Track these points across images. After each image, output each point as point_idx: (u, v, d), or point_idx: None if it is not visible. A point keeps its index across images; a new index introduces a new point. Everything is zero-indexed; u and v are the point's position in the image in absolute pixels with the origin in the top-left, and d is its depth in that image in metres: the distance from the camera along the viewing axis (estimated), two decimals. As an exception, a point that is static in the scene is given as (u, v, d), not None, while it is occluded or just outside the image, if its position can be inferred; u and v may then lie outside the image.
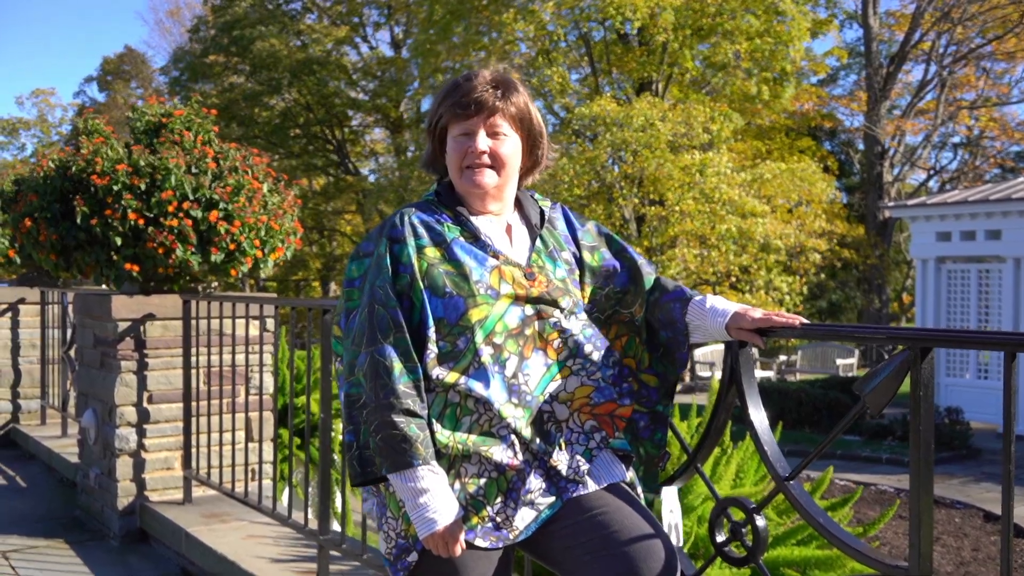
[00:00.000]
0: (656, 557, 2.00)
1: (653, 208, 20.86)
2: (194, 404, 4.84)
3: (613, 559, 2.01)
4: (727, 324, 2.08)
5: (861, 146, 30.34)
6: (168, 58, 34.92)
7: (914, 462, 1.77)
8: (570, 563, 2.07)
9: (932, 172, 31.44)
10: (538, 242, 2.18)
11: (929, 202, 14.67)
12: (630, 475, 2.24)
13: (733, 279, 21.90)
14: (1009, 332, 1.64)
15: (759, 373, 19.74)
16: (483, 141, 2.11)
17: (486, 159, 2.11)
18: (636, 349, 2.22)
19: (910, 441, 1.78)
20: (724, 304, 2.11)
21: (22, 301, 7.45)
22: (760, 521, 2.07)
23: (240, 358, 4.70)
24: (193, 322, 4.80)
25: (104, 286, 5.30)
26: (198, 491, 4.88)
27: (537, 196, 2.29)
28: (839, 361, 19.18)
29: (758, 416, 2.09)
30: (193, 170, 4.68)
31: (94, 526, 5.13)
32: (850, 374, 18.67)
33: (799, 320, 2.00)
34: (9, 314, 7.43)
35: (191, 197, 4.54)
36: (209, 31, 30.91)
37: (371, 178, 30.27)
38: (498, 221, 2.18)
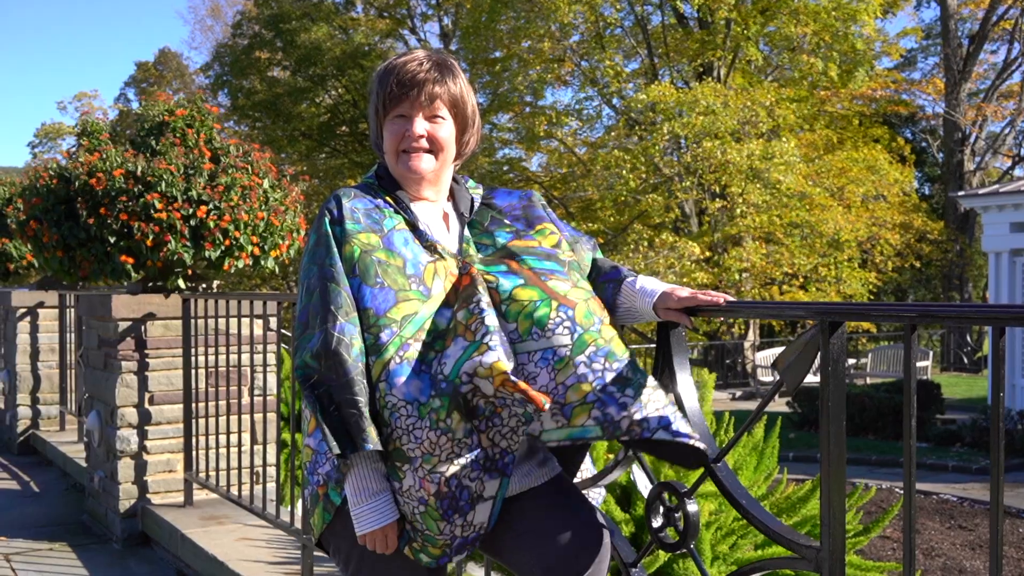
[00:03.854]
0: (591, 535, 2.09)
1: (715, 201, 20.78)
2: (195, 405, 5.02)
3: (547, 539, 2.09)
4: (654, 304, 2.14)
5: (942, 133, 29.84)
6: (209, 56, 35.61)
7: (824, 439, 1.84)
8: (508, 548, 2.16)
9: (1017, 159, 30.77)
10: (467, 231, 2.23)
11: (1002, 190, 14.38)
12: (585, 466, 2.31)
13: (802, 279, 21.73)
14: (909, 304, 1.70)
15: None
16: (420, 124, 2.16)
17: (423, 143, 2.17)
18: None
19: (820, 418, 1.85)
20: (653, 284, 2.18)
21: (41, 305, 7.74)
22: (691, 506, 2.13)
23: (243, 358, 4.84)
24: (193, 321, 4.98)
25: (104, 284, 5.51)
26: (200, 494, 5.06)
27: (470, 183, 2.37)
28: (912, 364, 18.83)
29: (689, 397, 2.17)
30: (189, 171, 4.86)
31: (99, 530, 5.34)
32: (924, 377, 18.36)
33: (724, 298, 2.07)
34: (28, 318, 7.73)
35: (180, 199, 4.72)
36: (252, 26, 31.48)
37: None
38: (434, 208, 2.24)
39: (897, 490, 10.13)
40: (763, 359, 19.07)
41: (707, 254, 20.88)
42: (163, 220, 4.75)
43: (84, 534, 5.32)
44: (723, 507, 3.75)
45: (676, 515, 2.17)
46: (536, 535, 2.10)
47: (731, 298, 2.07)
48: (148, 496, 5.08)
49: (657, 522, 2.22)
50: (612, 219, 23.90)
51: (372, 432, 1.98)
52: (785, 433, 14.17)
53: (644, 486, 2.42)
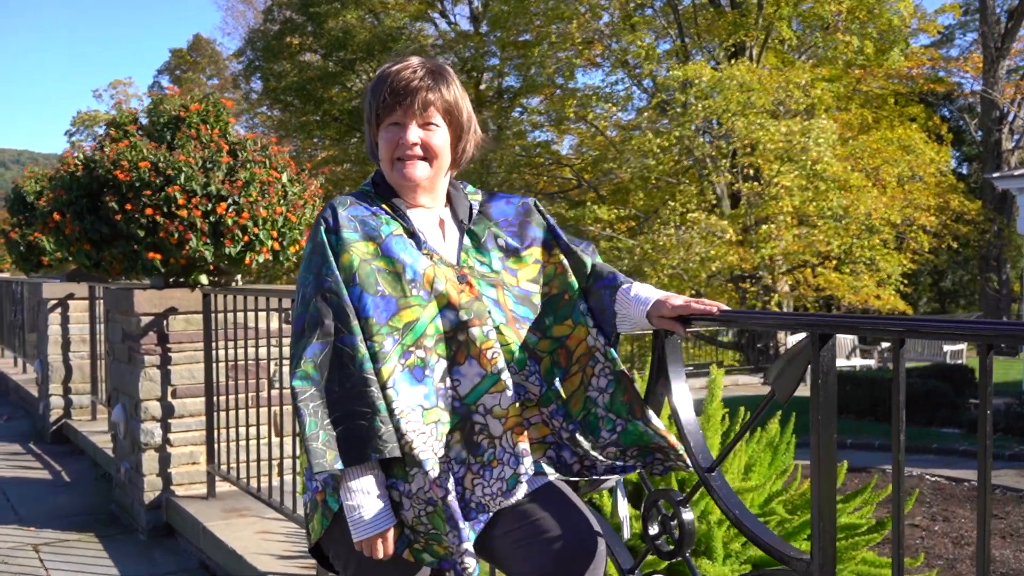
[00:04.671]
0: (585, 544, 2.09)
1: (748, 184, 20.62)
2: (217, 399, 5.07)
3: (543, 546, 2.09)
4: (648, 312, 2.14)
5: (979, 111, 29.40)
6: (242, 41, 35.77)
7: (815, 454, 1.83)
8: (502, 554, 2.17)
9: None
10: (466, 239, 2.25)
11: (1038, 171, 14.14)
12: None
13: (835, 261, 21.55)
14: (896, 318, 1.68)
15: (859, 361, 19.38)
16: (414, 132, 2.17)
17: (418, 151, 2.18)
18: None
19: (811, 430, 1.84)
20: (648, 292, 2.17)
21: (71, 296, 7.84)
22: (687, 515, 2.14)
23: (263, 352, 4.89)
24: (214, 316, 5.02)
25: (132, 280, 5.58)
26: (222, 485, 5.12)
27: (470, 189, 2.37)
28: (946, 348, 18.67)
29: (684, 407, 2.16)
30: (207, 165, 4.89)
31: (126, 520, 5.42)
32: (959, 361, 18.17)
33: (717, 307, 2.06)
34: (59, 310, 7.84)
35: (199, 193, 4.75)
36: (283, 11, 31.57)
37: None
38: (430, 215, 2.25)
39: (928, 477, 10.06)
40: (793, 343, 18.94)
41: (739, 237, 20.74)
42: (185, 218, 4.79)
43: (112, 524, 5.40)
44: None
45: (672, 523, 2.17)
46: (531, 541, 2.11)
47: (725, 307, 2.06)
48: (172, 488, 5.15)
49: (654, 529, 2.23)
50: (643, 203, 23.79)
51: (379, 442, 2.00)
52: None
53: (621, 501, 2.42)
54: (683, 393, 2.17)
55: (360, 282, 2.09)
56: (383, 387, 2.04)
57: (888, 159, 20.83)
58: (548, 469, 2.18)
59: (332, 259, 2.11)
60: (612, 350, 2.19)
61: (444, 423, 2.08)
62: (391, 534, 2.08)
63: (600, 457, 2.20)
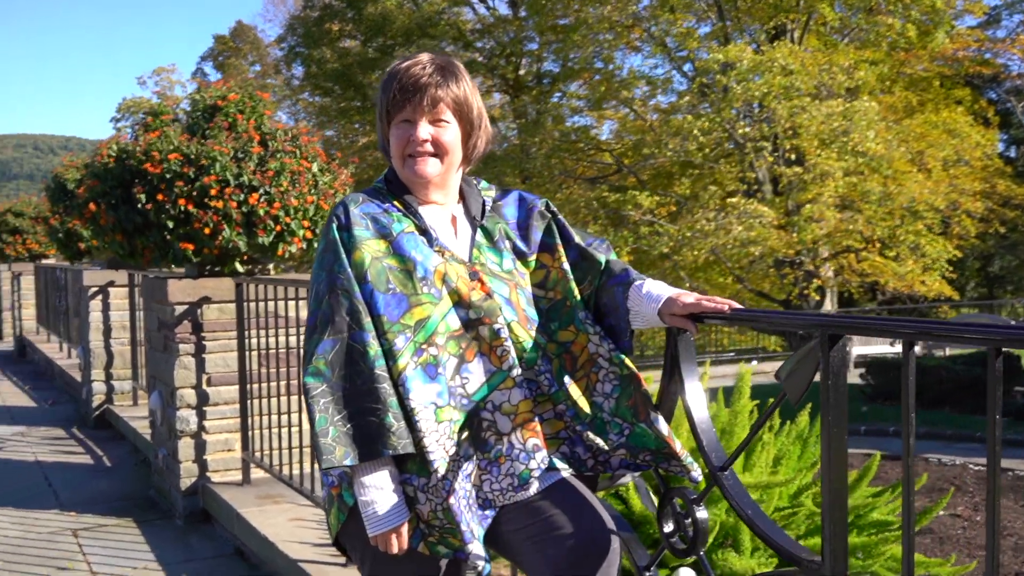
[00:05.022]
0: (598, 542, 2.10)
1: (791, 168, 20.42)
2: (251, 386, 5.13)
3: (556, 544, 2.10)
4: (660, 310, 2.14)
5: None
6: (282, 28, 35.94)
7: (825, 457, 1.82)
8: (516, 550, 2.18)
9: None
10: (479, 235, 2.26)
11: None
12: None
13: (879, 246, 21.30)
14: (907, 320, 1.67)
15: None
16: (424, 129, 2.18)
17: (428, 147, 2.19)
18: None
19: (821, 435, 1.83)
20: (659, 289, 2.18)
21: (111, 284, 7.96)
22: (700, 513, 2.13)
23: (295, 340, 4.93)
24: (247, 304, 5.08)
25: (163, 269, 5.65)
26: (257, 472, 5.18)
27: (483, 185, 2.38)
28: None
29: (697, 405, 2.16)
30: (239, 155, 4.94)
31: (164, 505, 5.50)
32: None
33: (729, 305, 2.06)
34: (100, 296, 7.96)
35: (233, 183, 4.80)
36: (323, -3, 31.66)
37: (492, 147, 30.46)
38: (443, 212, 2.27)
39: (971, 466, 9.93)
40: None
41: (781, 221, 20.55)
42: (220, 209, 4.84)
43: (150, 509, 5.49)
44: (764, 497, 3.72)
45: (687, 521, 2.17)
46: (544, 539, 2.12)
47: (736, 305, 2.05)
48: (208, 474, 5.22)
49: (668, 527, 2.23)
50: (685, 189, 23.66)
51: (392, 438, 2.02)
52: (857, 406, 13.97)
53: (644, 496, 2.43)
54: (696, 391, 2.17)
55: (372, 280, 2.11)
56: (395, 384, 2.07)
57: (933, 143, 20.52)
58: (561, 465, 2.20)
59: (344, 256, 2.13)
60: (618, 354, 2.20)
61: (455, 421, 2.10)
62: (405, 529, 2.10)
63: (616, 452, 2.21)
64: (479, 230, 2.27)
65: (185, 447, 5.20)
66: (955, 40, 24.22)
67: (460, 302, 2.13)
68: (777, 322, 1.93)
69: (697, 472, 2.16)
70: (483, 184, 2.39)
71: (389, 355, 2.08)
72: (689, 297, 2.11)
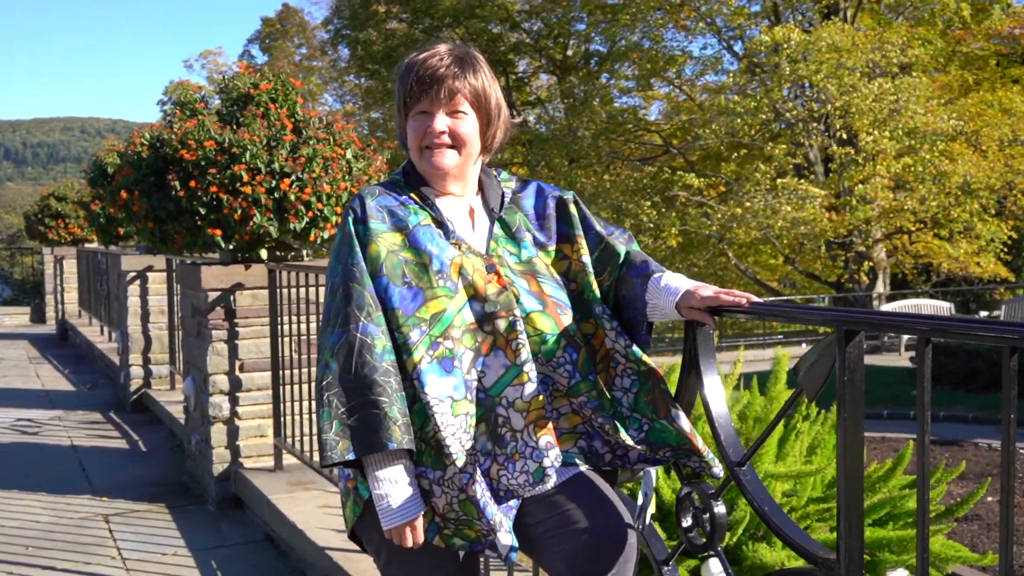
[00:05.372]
0: (615, 537, 2.08)
1: (841, 148, 20.17)
2: (283, 373, 5.16)
3: (573, 538, 2.09)
4: (677, 303, 2.11)
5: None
6: (329, 10, 36.09)
7: (841, 455, 1.78)
8: (532, 544, 2.18)
9: None
10: (497, 227, 2.24)
11: None
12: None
13: (932, 225, 21.00)
14: (923, 316, 1.63)
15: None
16: (441, 121, 2.17)
17: (445, 139, 2.18)
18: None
19: (837, 432, 1.79)
20: (677, 281, 2.15)
21: (150, 269, 8.05)
22: (718, 508, 2.11)
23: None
24: (279, 291, 5.10)
25: (194, 255, 5.70)
26: (288, 459, 5.21)
27: (504, 175, 2.37)
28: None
29: (716, 400, 2.13)
30: (272, 143, 4.96)
31: (197, 491, 5.56)
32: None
33: (748, 298, 2.02)
34: (138, 281, 8.06)
35: (264, 171, 4.82)
36: (370, -23, 31.72)
37: (540, 128, 30.43)
38: (461, 204, 2.25)
39: (1023, 451, 9.76)
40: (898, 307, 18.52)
41: (832, 201, 20.32)
42: (249, 194, 4.87)
43: (183, 495, 5.55)
44: (798, 487, 3.68)
45: (705, 516, 2.15)
46: (560, 533, 2.11)
47: (755, 299, 2.02)
48: (240, 460, 5.27)
49: (687, 522, 2.21)
50: (732, 169, 23.47)
51: (396, 431, 2.02)
52: (906, 389, 13.80)
53: (642, 493, 2.41)
54: (715, 386, 2.14)
55: (387, 273, 2.11)
56: (409, 378, 2.06)
57: (988, 122, 20.15)
58: (578, 459, 2.19)
59: (359, 250, 2.13)
60: (635, 350, 2.18)
61: (472, 415, 2.09)
62: (420, 522, 2.10)
63: (635, 447, 2.19)
64: (497, 222, 2.26)
65: (218, 433, 5.25)
66: (1012, 18, 23.73)
67: (476, 295, 2.12)
68: (795, 316, 1.90)
69: (718, 468, 2.13)
70: (503, 175, 2.37)
71: (404, 349, 2.07)
72: (707, 290, 2.08)
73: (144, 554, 4.55)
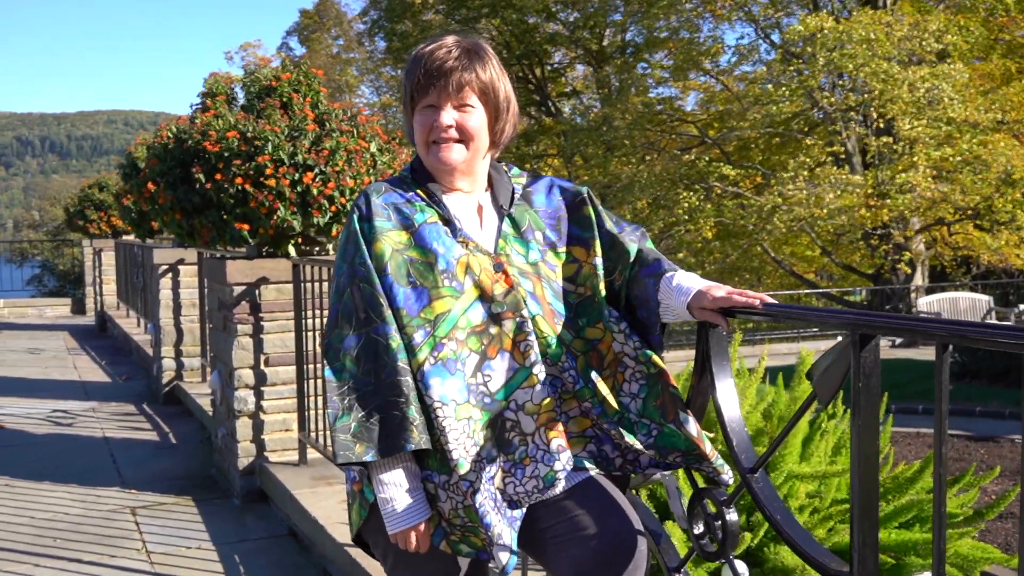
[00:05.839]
0: (625, 543, 2.03)
1: (879, 138, 19.88)
2: (308, 367, 5.13)
3: (582, 545, 2.04)
4: (689, 303, 2.04)
5: None
6: (366, 2, 36.12)
7: (855, 464, 1.70)
8: (541, 550, 2.12)
9: None
10: (506, 225, 2.18)
11: None
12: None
13: (972, 216, 20.66)
14: (942, 321, 1.55)
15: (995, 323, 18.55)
16: (448, 115, 2.11)
17: (452, 133, 2.12)
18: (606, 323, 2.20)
19: (851, 439, 1.71)
20: (690, 281, 2.07)
21: (181, 262, 8.07)
22: (731, 515, 2.03)
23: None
24: (304, 285, 5.07)
25: (220, 249, 5.68)
26: (313, 453, 5.19)
27: (514, 171, 2.30)
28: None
29: (729, 404, 2.05)
30: (294, 133, 4.92)
31: (224, 485, 5.56)
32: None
33: (761, 299, 1.95)
34: (170, 274, 8.07)
35: (287, 163, 4.79)
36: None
37: (575, 119, 30.29)
38: (469, 200, 2.20)
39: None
40: (925, 305, 18.19)
41: (871, 190, 20.04)
42: (273, 187, 4.84)
43: (210, 488, 5.54)
44: (822, 488, 3.59)
45: (717, 523, 2.08)
46: (570, 539, 2.05)
47: (769, 299, 1.94)
48: (265, 454, 5.25)
49: (698, 529, 2.14)
50: (768, 160, 23.24)
51: (414, 432, 1.99)
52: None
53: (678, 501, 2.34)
54: (728, 389, 2.06)
55: (391, 272, 2.06)
56: (405, 375, 2.02)
57: (1031, 110, 19.76)
58: (588, 464, 2.13)
59: (365, 248, 2.09)
60: (645, 351, 2.11)
61: (476, 420, 2.03)
62: (425, 527, 2.06)
63: (644, 452, 2.13)
64: (506, 219, 2.20)
65: (243, 427, 5.24)
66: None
67: (483, 295, 2.06)
68: (809, 318, 1.82)
69: (727, 475, 2.07)
70: (514, 171, 2.31)
71: (408, 350, 2.03)
72: (720, 290, 2.01)
73: (169, 547, 4.54)
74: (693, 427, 2.05)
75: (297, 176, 4.89)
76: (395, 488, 2.04)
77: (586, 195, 2.26)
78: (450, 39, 2.18)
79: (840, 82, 19.94)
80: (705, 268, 26.13)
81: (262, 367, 5.23)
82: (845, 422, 3.82)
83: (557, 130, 29.85)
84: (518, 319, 2.06)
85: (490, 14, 29.60)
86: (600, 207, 2.25)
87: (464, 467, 2.00)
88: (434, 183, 2.18)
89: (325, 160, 4.92)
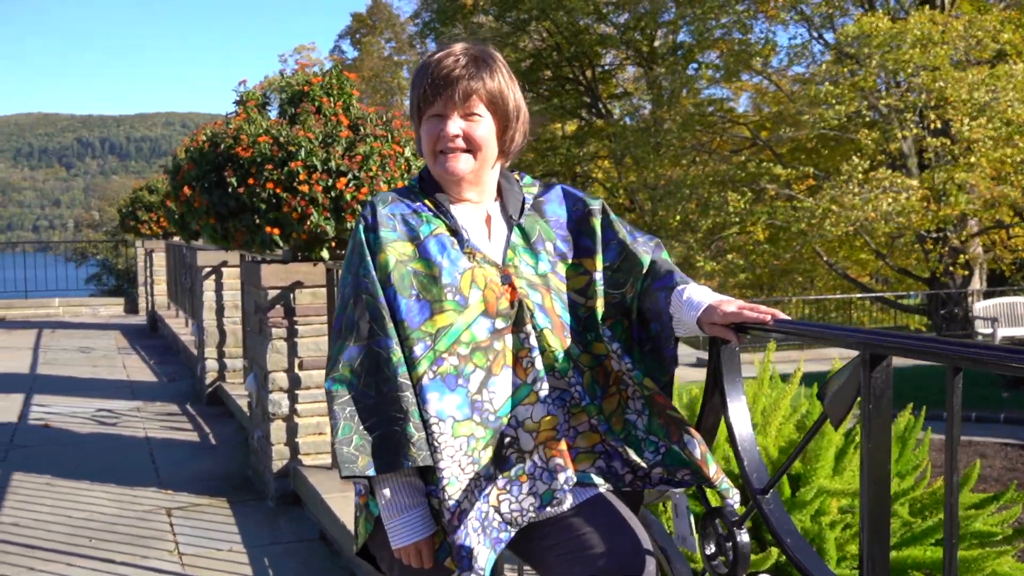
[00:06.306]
0: (633, 564, 1.97)
1: (936, 139, 19.52)
2: (341, 371, 5.12)
3: (587, 564, 1.99)
4: (699, 318, 1.98)
5: None
6: (417, 4, 36.27)
7: (865, 489, 1.63)
8: (546, 567, 2.07)
9: None
10: (515, 235, 2.13)
11: None
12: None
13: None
14: (955, 342, 1.47)
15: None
16: (455, 124, 2.07)
17: (460, 143, 2.08)
18: (623, 335, 2.14)
19: (860, 465, 1.64)
20: (701, 295, 2.01)
21: (224, 264, 8.12)
22: (742, 537, 1.97)
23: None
24: (337, 289, 5.06)
25: (254, 252, 5.69)
26: (346, 457, 5.17)
27: (527, 180, 2.26)
28: None
29: (740, 422, 1.98)
30: (328, 140, 4.91)
31: (259, 487, 5.57)
32: None
33: (773, 315, 1.88)
34: (213, 276, 8.13)
35: (320, 168, 4.78)
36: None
37: (625, 120, 30.14)
38: (477, 211, 2.15)
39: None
40: (981, 310, 17.81)
41: (926, 192, 19.69)
42: (307, 193, 4.84)
43: (245, 490, 5.56)
44: (855, 504, 3.49)
45: (728, 544, 2.01)
46: (576, 558, 2.00)
47: (782, 316, 1.87)
48: (299, 457, 5.25)
49: (710, 549, 2.07)
50: (822, 162, 22.94)
51: (412, 449, 1.95)
52: (997, 392, 13.26)
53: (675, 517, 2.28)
54: (740, 408, 2.00)
55: (395, 283, 2.03)
56: (406, 390, 1.98)
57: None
58: (598, 480, 2.07)
59: (369, 259, 2.06)
60: (637, 373, 2.06)
61: (477, 438, 1.99)
62: (427, 542, 2.02)
63: (654, 468, 2.08)
64: (516, 229, 2.15)
65: (277, 429, 5.25)
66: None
67: (486, 311, 2.02)
68: (821, 336, 1.75)
69: (733, 499, 2.00)
70: (526, 180, 2.27)
71: (408, 363, 2.00)
72: (731, 305, 1.94)
73: (200, 549, 4.56)
74: (697, 450, 1.99)
75: (330, 182, 4.88)
76: (397, 503, 2.01)
77: (595, 207, 2.20)
78: (458, 47, 2.14)
79: (895, 84, 19.63)
80: (756, 271, 25.89)
81: (296, 370, 5.23)
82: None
83: (607, 132, 29.72)
84: (521, 334, 2.01)
85: (540, 17, 29.54)
86: (613, 218, 2.19)
87: (453, 486, 1.95)
88: (442, 193, 2.14)
89: (358, 165, 4.91)
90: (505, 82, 2.12)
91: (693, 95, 26.87)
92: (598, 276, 2.13)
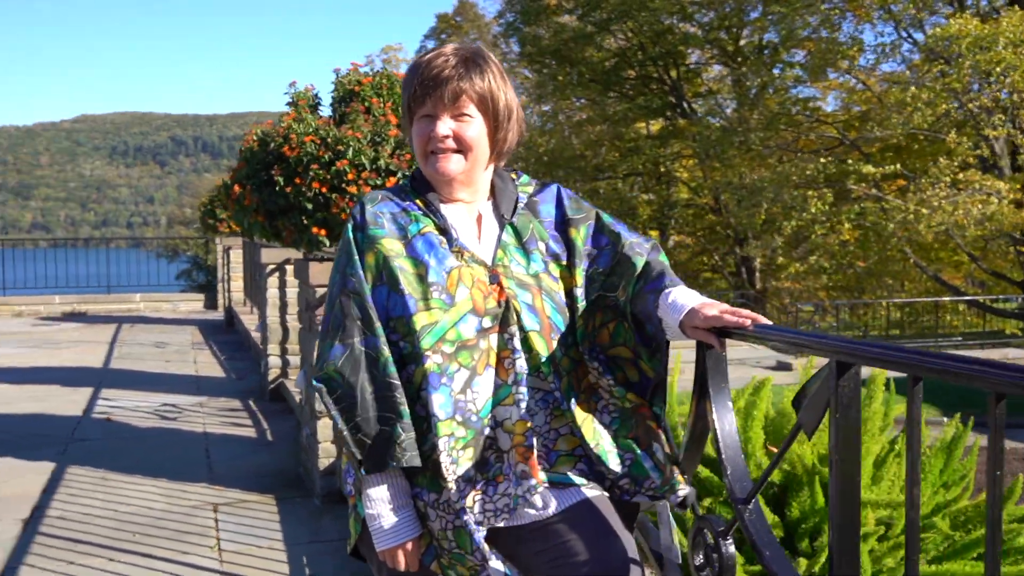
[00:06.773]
0: (617, 569, 1.95)
1: (1029, 139, 18.93)
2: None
3: (572, 572, 1.96)
4: (682, 321, 1.94)
5: None
6: (502, 4, 36.40)
7: (834, 507, 1.58)
8: (533, 571, 2.05)
9: None
10: (506, 235, 2.12)
11: None
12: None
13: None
14: (920, 353, 1.41)
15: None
16: (445, 125, 2.07)
17: (450, 143, 2.08)
18: (626, 335, 2.11)
19: (829, 480, 1.58)
20: (685, 298, 1.97)
21: (287, 262, 8.21)
22: (728, 548, 1.92)
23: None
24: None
25: (302, 250, 5.76)
26: (390, 457, 5.20)
27: (523, 179, 2.24)
28: None
29: (726, 429, 1.94)
30: (376, 139, 4.95)
31: (308, 484, 5.63)
32: None
33: (752, 319, 1.83)
34: (276, 274, 8.25)
35: (369, 168, 4.81)
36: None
37: (710, 119, 29.80)
38: (468, 210, 2.15)
39: None
40: None
41: (1018, 196, 19.10)
42: (355, 194, 4.88)
43: (294, 487, 5.63)
44: (894, 516, 3.39)
45: (713, 555, 1.97)
46: (562, 563, 1.98)
47: (763, 320, 1.82)
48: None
49: (698, 559, 2.03)
50: (911, 163, 22.41)
51: (398, 450, 1.95)
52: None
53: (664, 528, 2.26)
54: (725, 413, 1.95)
55: (387, 280, 2.03)
56: (395, 390, 1.98)
57: None
58: (579, 480, 2.05)
59: (357, 258, 2.07)
60: (620, 389, 2.05)
61: (458, 437, 1.98)
62: (412, 545, 2.02)
63: (631, 473, 2.06)
64: (507, 229, 2.14)
65: (323, 427, 5.29)
66: None
67: (473, 310, 2.01)
68: (796, 342, 1.69)
69: (680, 492, 2.07)
70: (523, 179, 2.25)
71: (396, 361, 2.00)
72: (712, 309, 1.89)
73: (241, 545, 4.62)
74: (661, 454, 1.98)
75: (380, 181, 4.91)
76: (382, 504, 2.01)
77: (579, 217, 2.18)
78: (449, 48, 2.14)
79: (987, 85, 19.07)
80: (843, 273, 25.39)
81: (343, 369, 5.27)
82: (923, 446, 3.60)
83: (691, 131, 29.45)
84: (506, 335, 2.00)
85: (624, 16, 29.39)
86: (606, 221, 2.17)
87: (451, 485, 1.96)
88: (433, 193, 2.14)
89: (408, 164, 4.93)
90: (496, 82, 2.11)
91: (779, 94, 26.48)
92: (579, 292, 2.12)
